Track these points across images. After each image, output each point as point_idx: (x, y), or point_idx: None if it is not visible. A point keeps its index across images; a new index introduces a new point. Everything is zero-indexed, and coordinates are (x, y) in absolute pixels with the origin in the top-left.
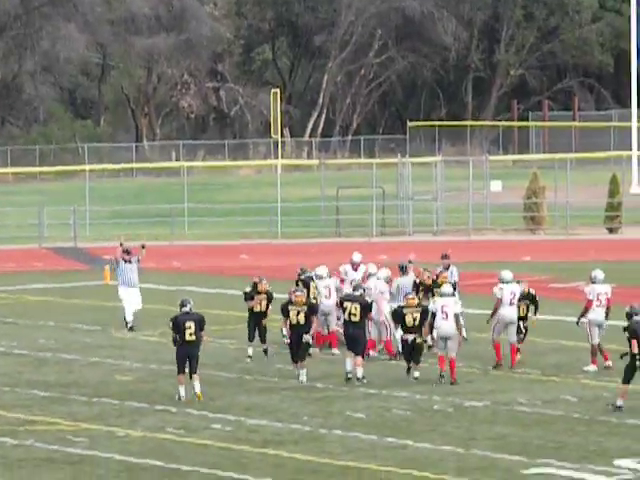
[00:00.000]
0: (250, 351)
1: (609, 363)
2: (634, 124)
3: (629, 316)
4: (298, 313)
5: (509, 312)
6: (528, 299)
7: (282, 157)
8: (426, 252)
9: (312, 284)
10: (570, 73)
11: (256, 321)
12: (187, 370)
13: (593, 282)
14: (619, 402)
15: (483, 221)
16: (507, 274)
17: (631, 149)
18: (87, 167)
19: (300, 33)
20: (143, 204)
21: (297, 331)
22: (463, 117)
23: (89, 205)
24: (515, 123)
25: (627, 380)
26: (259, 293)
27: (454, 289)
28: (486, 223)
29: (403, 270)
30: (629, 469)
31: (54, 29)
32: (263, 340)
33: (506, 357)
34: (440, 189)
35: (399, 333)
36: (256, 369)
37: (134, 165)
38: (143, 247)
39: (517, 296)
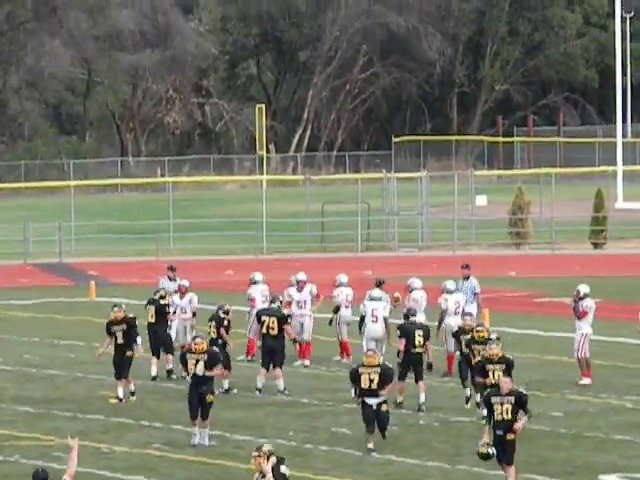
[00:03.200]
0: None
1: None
2: (619, 139)
3: (406, 317)
4: (197, 362)
5: (455, 322)
6: (503, 363)
7: (267, 172)
8: (411, 267)
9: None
10: (555, 88)
11: None
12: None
13: (581, 298)
14: (399, 399)
15: (468, 236)
16: (451, 284)
17: (616, 164)
18: (72, 183)
19: (285, 49)
20: (128, 220)
21: (197, 382)
22: (448, 132)
23: (74, 221)
24: (500, 138)
25: (401, 377)
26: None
27: (475, 298)
28: (471, 238)
29: (379, 285)
30: None
31: (39, 45)
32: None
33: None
34: (425, 204)
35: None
36: (241, 384)
37: (119, 181)
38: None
39: (462, 305)
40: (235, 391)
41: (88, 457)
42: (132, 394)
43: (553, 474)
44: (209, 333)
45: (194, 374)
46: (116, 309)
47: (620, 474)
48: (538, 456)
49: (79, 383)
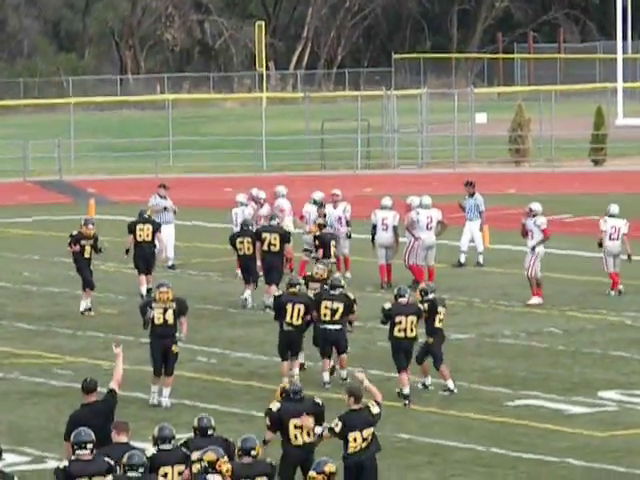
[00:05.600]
0: (247, 293)
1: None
2: (619, 56)
3: (321, 227)
4: (165, 311)
5: (428, 236)
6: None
7: (267, 90)
8: (411, 184)
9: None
10: (555, 5)
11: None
12: None
13: (534, 215)
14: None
15: (468, 153)
16: (426, 199)
17: (616, 81)
18: (72, 100)
19: None
20: (128, 137)
21: (163, 335)
22: (448, 49)
23: (74, 138)
24: (500, 55)
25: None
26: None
27: (480, 216)
28: (471, 155)
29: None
30: (613, 401)
31: None
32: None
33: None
34: (425, 122)
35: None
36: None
37: (119, 98)
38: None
39: (434, 220)
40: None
41: (88, 374)
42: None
43: (552, 390)
44: (240, 249)
45: (158, 325)
46: (91, 226)
47: (618, 390)
48: (537, 373)
49: (79, 300)
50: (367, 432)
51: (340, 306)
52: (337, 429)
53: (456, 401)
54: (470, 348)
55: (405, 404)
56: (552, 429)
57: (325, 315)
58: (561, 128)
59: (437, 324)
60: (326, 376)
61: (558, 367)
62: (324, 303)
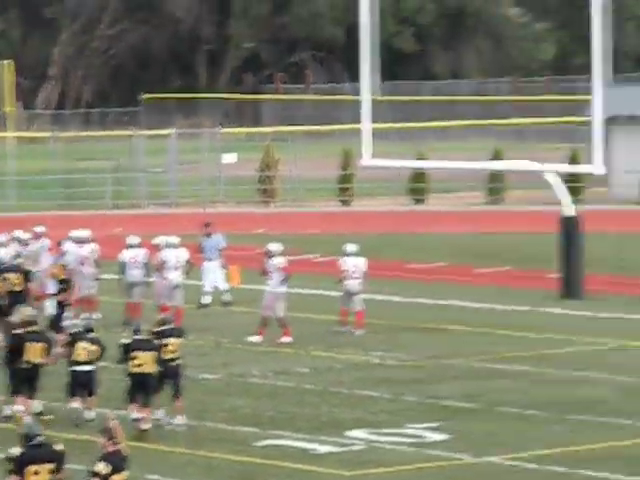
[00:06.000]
0: None
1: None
2: (364, 97)
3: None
4: None
5: (175, 276)
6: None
7: (14, 129)
8: (161, 224)
9: None
10: (302, 46)
11: None
12: None
13: (272, 256)
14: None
15: (217, 193)
16: (172, 239)
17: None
18: None
19: (30, 4)
20: None
21: None
22: (197, 89)
23: None
24: (248, 96)
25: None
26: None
27: (218, 255)
28: (220, 195)
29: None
30: (361, 439)
31: None
32: None
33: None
34: (173, 161)
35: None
36: None
37: None
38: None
39: (182, 260)
40: None
41: None
42: None
43: (300, 430)
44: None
45: None
46: None
47: (366, 429)
48: (285, 412)
49: None
50: (125, 474)
51: (95, 348)
52: (106, 471)
53: (204, 441)
54: (219, 388)
55: (139, 425)
56: (300, 469)
57: (80, 355)
58: (311, 168)
59: (166, 355)
60: (79, 412)
61: (305, 406)
62: (81, 344)
